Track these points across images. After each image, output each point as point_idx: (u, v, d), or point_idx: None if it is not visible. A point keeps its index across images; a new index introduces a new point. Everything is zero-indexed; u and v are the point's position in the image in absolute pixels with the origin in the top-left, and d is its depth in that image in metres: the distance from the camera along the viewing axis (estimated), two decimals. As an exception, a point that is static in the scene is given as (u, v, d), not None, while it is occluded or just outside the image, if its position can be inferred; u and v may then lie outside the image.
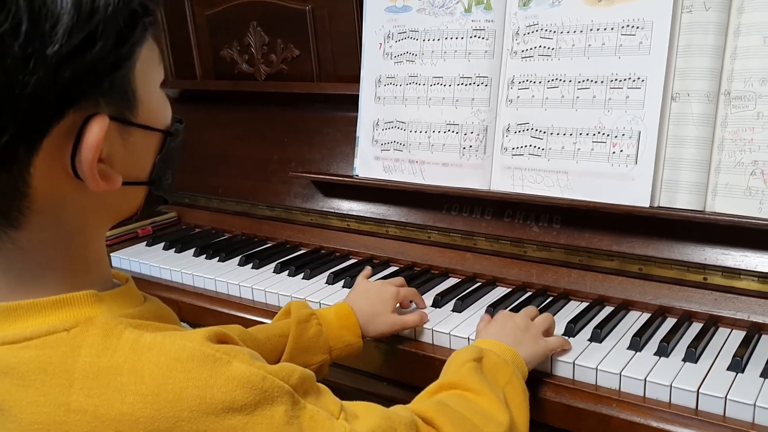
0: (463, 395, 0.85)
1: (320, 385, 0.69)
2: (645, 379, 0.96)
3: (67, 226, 0.62)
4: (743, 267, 1.10)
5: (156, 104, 0.66)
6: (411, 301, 1.22)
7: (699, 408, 0.92)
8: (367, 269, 1.29)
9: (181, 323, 0.84)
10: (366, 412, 0.70)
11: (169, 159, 0.69)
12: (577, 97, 1.22)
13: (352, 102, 1.53)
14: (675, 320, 1.12)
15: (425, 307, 1.22)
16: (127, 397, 0.57)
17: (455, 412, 0.79)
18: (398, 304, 1.17)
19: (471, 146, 1.35)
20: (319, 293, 1.34)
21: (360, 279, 1.24)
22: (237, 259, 1.53)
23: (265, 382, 0.61)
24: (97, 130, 0.57)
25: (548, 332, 1.05)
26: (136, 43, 0.60)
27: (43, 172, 0.57)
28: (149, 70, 0.64)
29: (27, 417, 0.58)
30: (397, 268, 1.45)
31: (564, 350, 1.04)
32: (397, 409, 0.75)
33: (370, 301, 1.14)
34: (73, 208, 0.62)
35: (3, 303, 0.60)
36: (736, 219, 1.08)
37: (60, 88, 0.54)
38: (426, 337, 1.16)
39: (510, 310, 1.16)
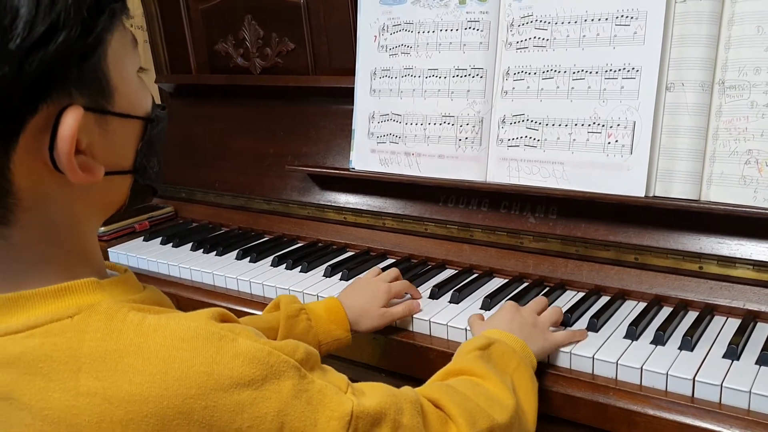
0: (470, 379, 0.86)
1: (324, 365, 0.70)
2: (641, 368, 0.96)
3: (57, 221, 0.62)
4: (738, 255, 1.11)
5: (133, 91, 0.65)
6: (406, 293, 1.22)
7: (695, 396, 0.92)
8: (376, 269, 1.28)
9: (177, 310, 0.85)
10: (371, 389, 0.71)
11: (153, 146, 0.69)
12: (572, 88, 1.22)
13: (347, 95, 1.53)
14: (671, 309, 1.13)
15: (420, 297, 1.23)
16: (135, 377, 0.57)
17: (460, 393, 0.80)
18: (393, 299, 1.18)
19: (467, 138, 1.35)
20: (316, 286, 1.34)
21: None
22: (234, 253, 1.53)
23: (271, 357, 0.62)
24: (70, 121, 0.56)
25: (555, 324, 1.06)
26: (104, 30, 0.59)
27: (24, 168, 0.57)
28: (123, 56, 0.63)
29: (36, 404, 0.58)
30: (394, 260, 1.45)
31: (573, 342, 1.04)
32: (403, 389, 0.76)
33: (362, 296, 1.14)
34: (60, 203, 0.61)
35: (3, 294, 0.61)
36: (731, 208, 1.09)
37: (27, 83, 0.54)
38: (423, 328, 1.16)
39: (508, 300, 1.17)
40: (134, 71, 0.66)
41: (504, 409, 0.82)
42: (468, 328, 1.10)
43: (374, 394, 0.70)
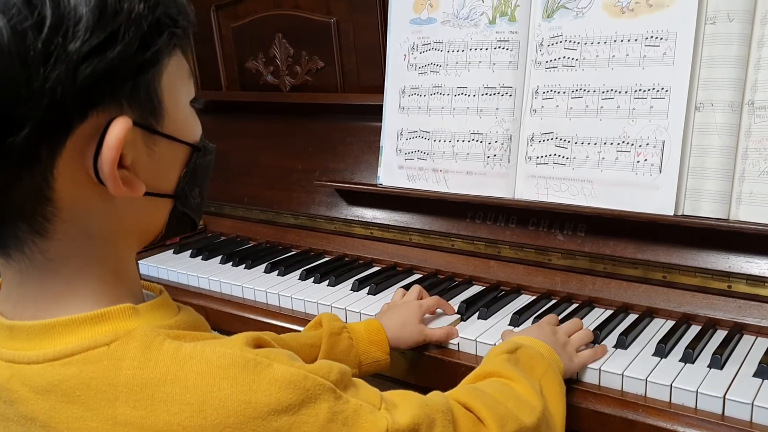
0: (498, 381, 0.87)
1: (356, 378, 0.70)
2: (671, 385, 0.97)
3: (94, 237, 0.62)
4: (768, 275, 1.11)
5: (183, 118, 0.66)
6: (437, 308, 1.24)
7: (725, 414, 0.93)
8: (400, 291, 1.29)
9: (212, 331, 0.86)
10: (403, 400, 0.71)
11: (197, 176, 0.69)
12: (602, 107, 1.23)
13: (375, 112, 1.56)
14: (699, 327, 1.13)
15: (453, 313, 1.24)
16: (173, 407, 0.57)
17: (489, 396, 0.81)
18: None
19: (495, 155, 1.37)
20: (344, 300, 1.35)
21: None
22: (263, 267, 1.55)
23: (306, 381, 0.61)
24: (117, 130, 0.57)
25: (583, 345, 1.07)
26: (161, 50, 0.60)
27: (67, 176, 0.57)
28: (177, 82, 0.64)
29: None
30: (420, 275, 1.46)
31: (596, 360, 1.05)
32: (433, 395, 0.77)
33: (397, 315, 1.16)
34: (99, 218, 0.61)
35: (41, 321, 0.61)
36: (761, 227, 1.09)
37: (80, 86, 0.54)
38: (452, 344, 1.17)
39: (535, 318, 1.18)
40: (187, 101, 0.67)
41: (532, 410, 0.83)
42: (496, 343, 1.12)
43: (407, 407, 0.70)
